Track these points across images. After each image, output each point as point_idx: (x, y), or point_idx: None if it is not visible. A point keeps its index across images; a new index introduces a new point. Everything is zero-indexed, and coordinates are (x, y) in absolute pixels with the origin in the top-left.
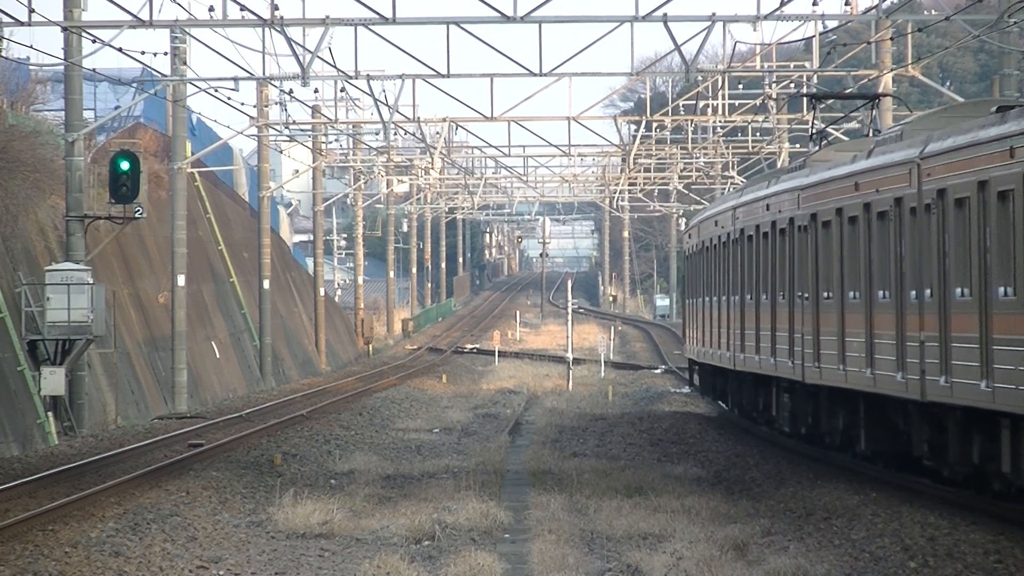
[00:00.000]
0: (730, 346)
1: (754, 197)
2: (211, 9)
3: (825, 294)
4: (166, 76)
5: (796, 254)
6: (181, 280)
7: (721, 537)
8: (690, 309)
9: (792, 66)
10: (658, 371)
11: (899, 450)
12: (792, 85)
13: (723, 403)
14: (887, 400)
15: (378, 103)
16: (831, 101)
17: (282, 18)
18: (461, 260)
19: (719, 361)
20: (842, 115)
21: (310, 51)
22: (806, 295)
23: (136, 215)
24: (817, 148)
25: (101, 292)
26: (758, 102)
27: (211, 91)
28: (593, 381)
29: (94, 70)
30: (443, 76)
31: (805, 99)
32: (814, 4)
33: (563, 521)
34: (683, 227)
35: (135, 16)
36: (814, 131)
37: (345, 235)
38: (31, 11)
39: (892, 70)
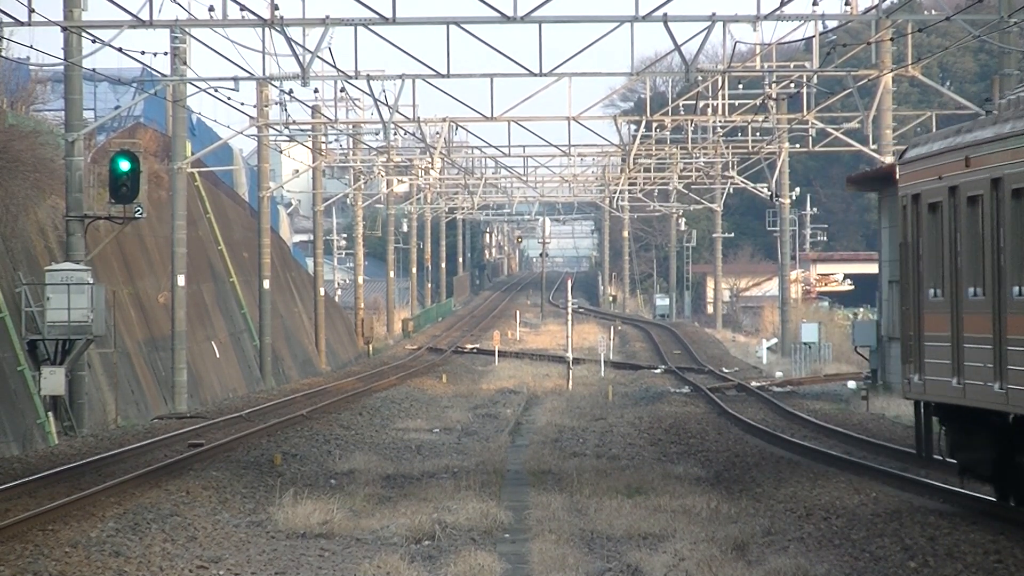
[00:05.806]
0: None
1: None
2: (211, 9)
3: None
4: (166, 76)
5: None
6: (181, 280)
7: (721, 537)
8: (933, 313)
9: (792, 66)
10: (658, 371)
11: None
12: (792, 85)
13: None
14: None
15: (378, 103)
16: None
17: (282, 18)
18: (461, 260)
19: None
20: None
21: (310, 51)
22: None
23: (136, 215)
24: None
25: (101, 292)
26: (758, 102)
27: (211, 91)
28: (593, 381)
29: (94, 70)
30: (443, 76)
31: None
32: (814, 4)
33: (563, 521)
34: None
35: (135, 16)
36: None
37: (345, 235)
38: (31, 11)
39: (892, 70)
